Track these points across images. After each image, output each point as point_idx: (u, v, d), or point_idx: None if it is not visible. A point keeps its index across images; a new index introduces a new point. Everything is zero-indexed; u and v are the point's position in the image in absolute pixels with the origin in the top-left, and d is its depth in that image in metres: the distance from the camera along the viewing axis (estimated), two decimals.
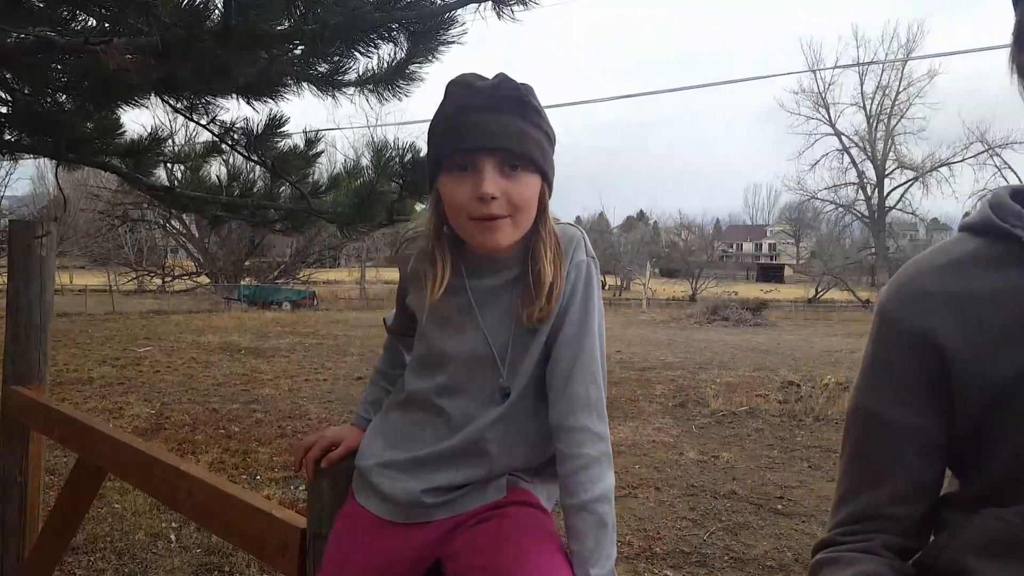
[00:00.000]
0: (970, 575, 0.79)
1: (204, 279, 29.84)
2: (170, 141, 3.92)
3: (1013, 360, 0.76)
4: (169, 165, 3.62)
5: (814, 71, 34.37)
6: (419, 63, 3.22)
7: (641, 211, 64.41)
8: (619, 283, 40.92)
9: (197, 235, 28.68)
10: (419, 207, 3.78)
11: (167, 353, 10.54)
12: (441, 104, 1.14)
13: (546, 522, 1.16)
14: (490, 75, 1.16)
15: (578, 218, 58.38)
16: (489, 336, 1.19)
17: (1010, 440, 0.78)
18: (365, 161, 3.65)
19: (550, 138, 1.14)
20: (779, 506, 4.34)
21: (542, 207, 1.14)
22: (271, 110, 3.20)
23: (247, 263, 29.52)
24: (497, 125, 1.08)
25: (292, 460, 1.87)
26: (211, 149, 3.81)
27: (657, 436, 5.91)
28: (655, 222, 56.51)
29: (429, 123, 1.16)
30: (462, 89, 1.11)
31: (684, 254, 39.73)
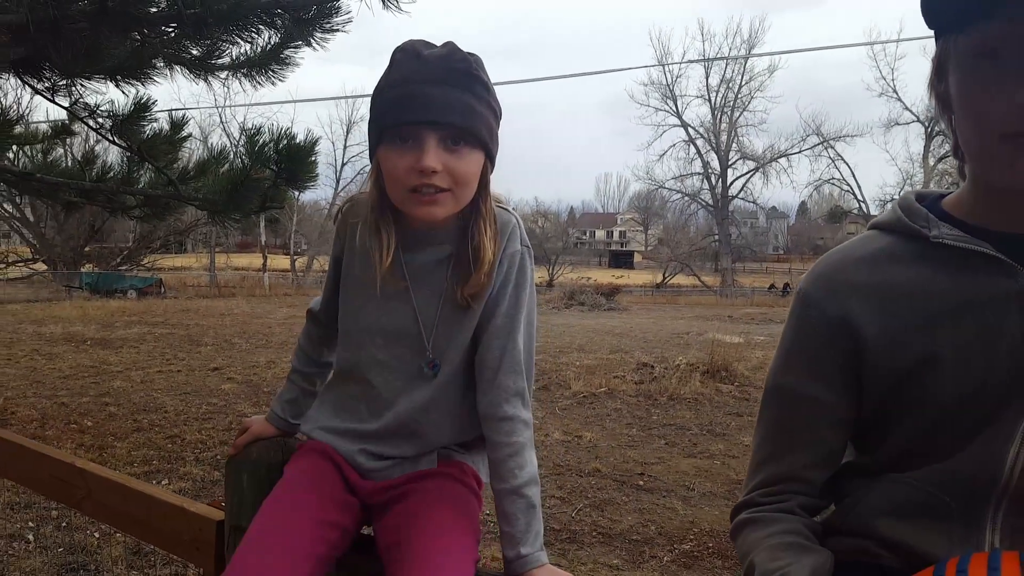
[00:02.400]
0: (877, 534, 0.89)
1: (41, 266, 27.03)
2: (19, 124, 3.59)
3: (918, 345, 0.84)
4: (14, 148, 3.31)
5: (662, 64, 36.17)
6: (295, 48, 3.17)
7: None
8: None
9: (32, 219, 25.91)
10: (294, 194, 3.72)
11: (6, 345, 9.54)
12: (386, 71, 1.10)
13: (466, 499, 1.20)
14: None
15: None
16: (419, 311, 1.19)
17: (910, 416, 0.87)
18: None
19: (496, 113, 1.13)
20: (640, 482, 4.60)
21: (484, 183, 1.13)
22: (137, 92, 3.03)
23: (87, 249, 27.02)
24: (443, 99, 1.05)
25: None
26: (60, 131, 3.53)
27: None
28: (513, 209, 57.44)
29: (373, 89, 1.12)
30: (409, 58, 1.08)
31: (541, 241, 40.70)
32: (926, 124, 31.44)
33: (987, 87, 0.75)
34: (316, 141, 3.25)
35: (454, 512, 1.15)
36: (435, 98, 1.05)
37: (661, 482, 4.63)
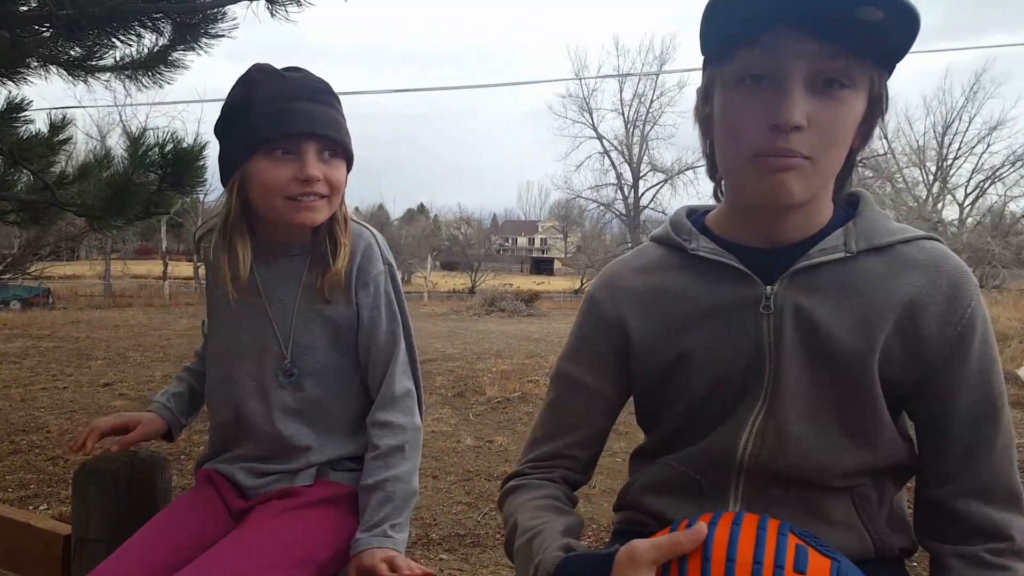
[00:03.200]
0: (645, 507, 1.02)
1: None
2: None
3: (675, 344, 0.96)
4: None
5: (579, 78, 36.89)
6: (183, 51, 3.10)
7: (422, 204, 64.95)
8: (401, 276, 40.75)
9: None
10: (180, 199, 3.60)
11: None
12: (246, 89, 1.16)
13: (319, 526, 1.19)
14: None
15: (356, 209, 57.23)
16: (274, 322, 1.24)
17: (672, 405, 0.99)
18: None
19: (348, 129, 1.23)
20: None
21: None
22: (10, 92, 2.88)
23: None
24: (321, 114, 1.15)
25: (70, 441, 1.75)
26: None
27: (437, 427, 6.01)
28: (436, 216, 57.27)
29: (223, 110, 1.19)
30: (272, 77, 1.16)
31: (464, 247, 40.68)
32: None
33: (745, 110, 0.83)
34: (205, 145, 3.18)
35: (285, 540, 1.14)
36: (313, 113, 1.14)
37: None
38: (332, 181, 1.18)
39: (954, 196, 35.31)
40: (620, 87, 37.62)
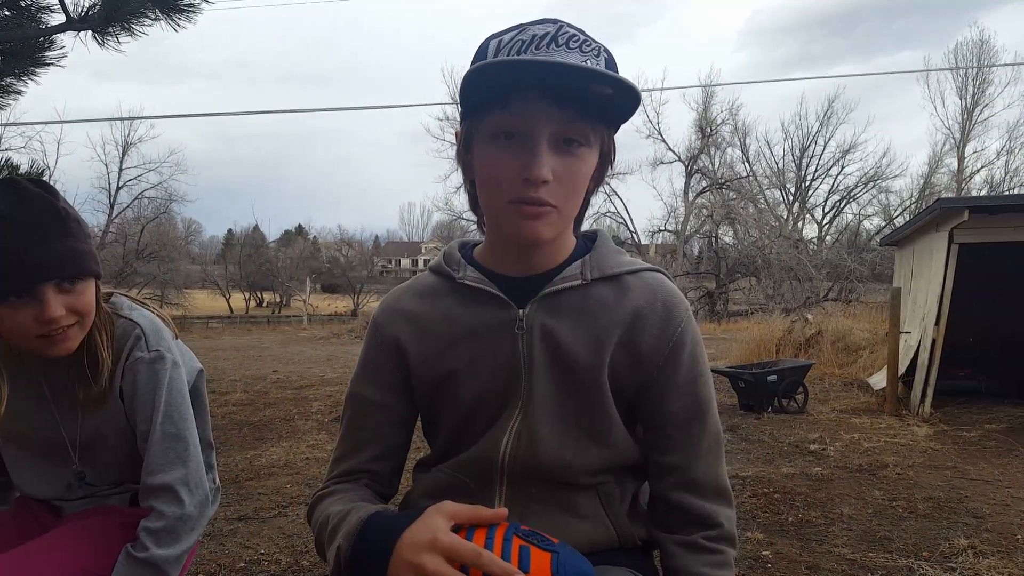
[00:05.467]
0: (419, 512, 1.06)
1: None
2: None
3: (444, 362, 1.07)
4: None
5: (456, 103, 36.99)
6: (12, 79, 2.86)
7: (300, 226, 62.82)
8: (279, 300, 39.34)
9: None
10: None
11: None
12: None
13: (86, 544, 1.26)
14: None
15: (230, 231, 54.76)
16: (63, 425, 1.30)
17: (445, 417, 1.10)
18: None
19: (88, 235, 1.25)
20: None
21: (97, 301, 1.26)
22: None
23: None
24: (55, 255, 1.15)
25: None
26: None
27: (311, 453, 5.82)
28: (315, 237, 55.68)
29: None
30: (3, 223, 1.12)
31: (345, 269, 39.75)
32: (686, 164, 35.07)
33: (501, 163, 0.95)
34: (42, 172, 2.93)
35: (37, 554, 1.21)
36: (45, 258, 1.14)
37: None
38: (79, 309, 1.21)
39: (813, 215, 38.37)
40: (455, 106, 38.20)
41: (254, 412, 7.62)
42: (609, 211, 38.28)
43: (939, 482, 5.01)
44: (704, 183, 35.07)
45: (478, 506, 0.90)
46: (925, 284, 8.06)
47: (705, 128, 35.03)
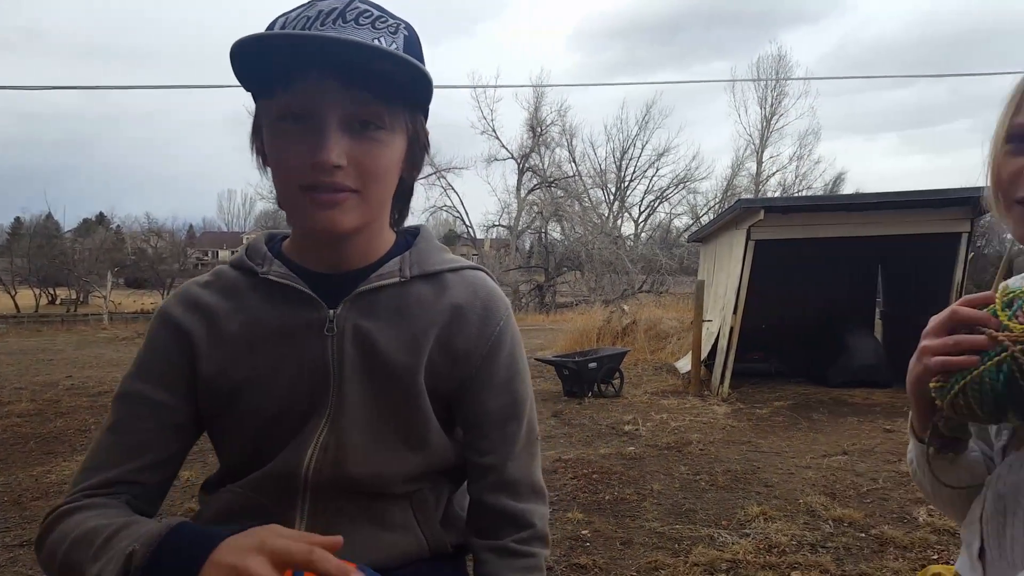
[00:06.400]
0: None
1: None
2: None
3: (244, 366, 0.97)
4: None
5: None
6: None
7: (101, 214, 56.88)
8: (75, 296, 35.46)
9: None
10: None
11: None
12: None
13: None
14: None
15: (17, 219, 48.58)
16: None
17: (237, 432, 0.99)
18: None
19: None
20: None
21: None
22: None
23: None
24: None
25: None
26: None
27: None
28: (118, 226, 50.73)
29: None
30: None
31: (154, 262, 36.57)
32: (518, 161, 36.03)
33: (290, 147, 0.88)
34: None
35: None
36: None
37: None
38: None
39: (630, 214, 40.85)
40: None
41: (42, 423, 6.80)
42: (445, 205, 38.48)
43: (736, 456, 5.51)
44: (535, 181, 36.16)
45: (315, 536, 0.77)
46: (725, 277, 8.84)
47: (536, 127, 36.14)
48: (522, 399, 1.05)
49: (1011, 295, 0.78)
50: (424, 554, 1.03)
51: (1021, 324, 0.74)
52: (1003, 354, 0.73)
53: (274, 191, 0.94)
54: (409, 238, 1.07)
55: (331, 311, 0.97)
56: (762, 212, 7.65)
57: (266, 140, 0.92)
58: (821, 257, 9.70)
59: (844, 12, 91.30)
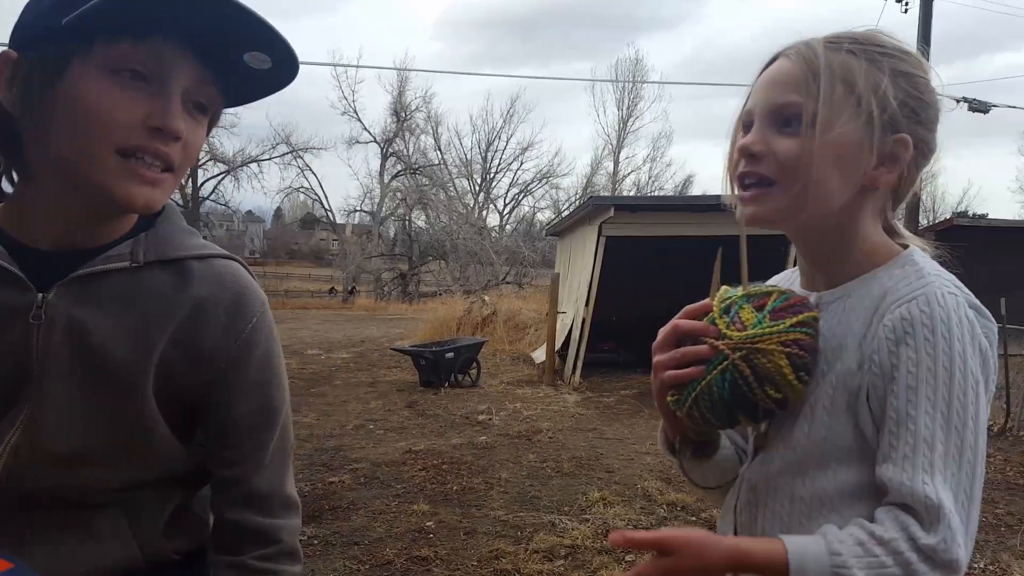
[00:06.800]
0: None
1: None
2: None
3: None
4: None
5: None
6: None
7: None
8: None
9: None
10: None
11: None
12: None
13: None
14: None
15: None
16: None
17: None
18: None
19: None
20: None
21: None
22: None
23: None
24: None
25: None
26: None
27: None
28: None
29: None
30: None
31: None
32: (381, 145, 35.46)
33: (120, 100, 0.78)
34: None
35: None
36: None
37: None
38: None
39: (495, 205, 41.29)
40: None
41: None
42: (303, 186, 37.19)
43: (582, 443, 5.71)
44: (399, 167, 35.66)
45: None
46: (579, 270, 9.14)
47: (400, 112, 35.58)
48: (276, 406, 0.95)
49: (727, 301, 0.81)
50: (138, 564, 0.93)
51: (738, 331, 0.76)
52: (724, 363, 0.76)
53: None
54: (155, 219, 0.95)
55: (40, 295, 0.83)
56: (612, 210, 7.99)
57: (74, 87, 0.79)
58: (668, 253, 10.25)
59: (699, 20, 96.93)
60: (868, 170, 0.81)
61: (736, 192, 0.87)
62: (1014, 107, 16.89)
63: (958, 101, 13.96)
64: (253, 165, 35.16)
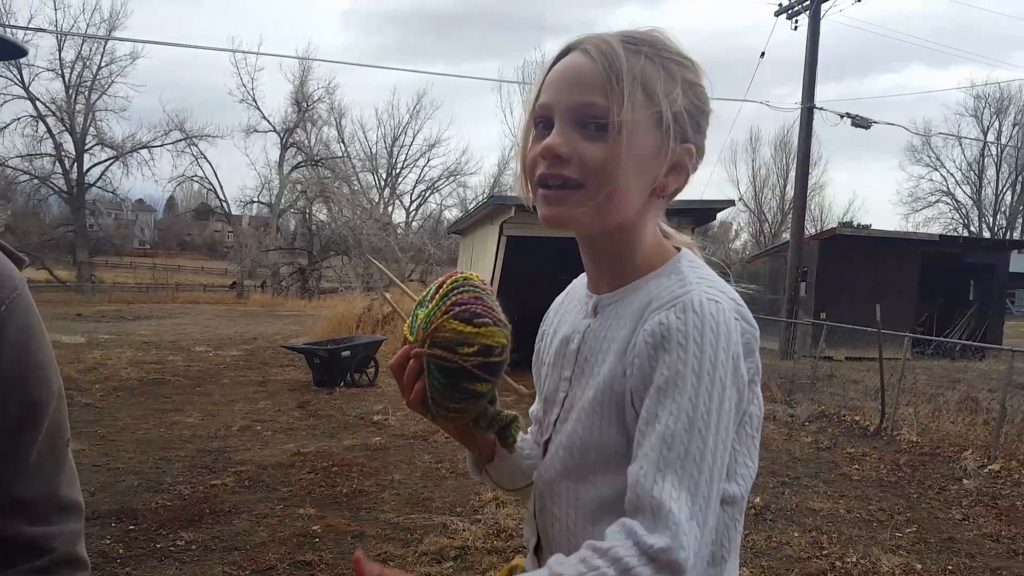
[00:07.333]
0: None
1: None
2: None
3: None
4: None
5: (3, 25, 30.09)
6: None
7: None
8: None
9: None
10: None
11: None
12: None
13: None
14: None
15: None
16: None
17: None
18: None
19: None
20: None
21: None
22: None
23: None
24: None
25: None
26: None
27: None
28: None
29: None
30: None
31: None
32: (281, 135, 34.30)
33: None
34: None
35: None
36: None
37: None
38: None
39: (401, 202, 40.74)
40: (59, 45, 32.00)
41: None
42: (197, 175, 35.47)
43: None
44: (300, 158, 34.57)
45: None
46: (482, 268, 9.11)
47: (301, 102, 34.52)
48: (37, 403, 0.85)
49: (410, 319, 0.88)
50: None
51: (414, 333, 0.85)
52: (424, 360, 0.83)
53: None
54: None
55: None
56: (513, 209, 8.00)
57: None
58: (569, 255, 10.40)
59: (604, 28, 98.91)
60: (659, 177, 0.83)
61: (536, 191, 0.86)
62: (892, 124, 18.26)
63: (841, 116, 14.90)
64: (144, 151, 33.33)
